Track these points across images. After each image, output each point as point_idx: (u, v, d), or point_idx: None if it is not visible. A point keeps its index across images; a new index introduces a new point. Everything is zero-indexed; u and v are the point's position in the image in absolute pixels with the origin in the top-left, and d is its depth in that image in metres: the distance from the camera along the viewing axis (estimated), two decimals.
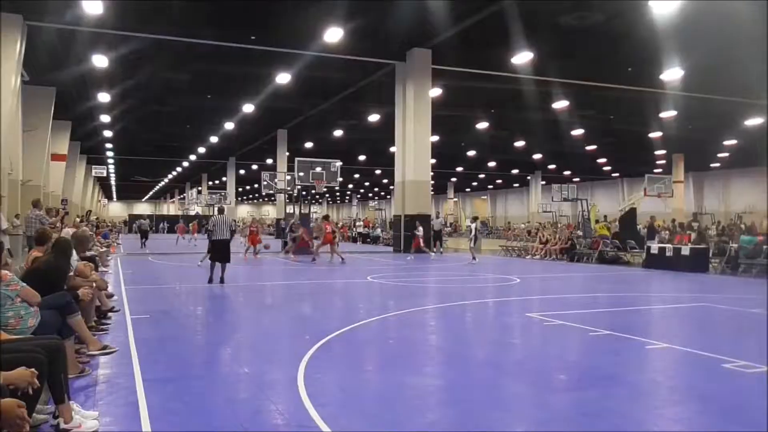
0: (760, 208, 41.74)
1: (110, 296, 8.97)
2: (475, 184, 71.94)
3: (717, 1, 16.10)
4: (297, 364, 5.77)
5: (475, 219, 24.02)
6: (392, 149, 26.31)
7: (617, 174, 58.41)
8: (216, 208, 15.03)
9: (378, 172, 57.06)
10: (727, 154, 43.15)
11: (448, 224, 52.86)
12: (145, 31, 19.38)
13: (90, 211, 41.17)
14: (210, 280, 12.64)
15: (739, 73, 22.36)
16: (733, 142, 37.17)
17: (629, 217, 25.77)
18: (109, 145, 45.08)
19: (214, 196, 50.41)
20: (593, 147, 41.11)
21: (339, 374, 5.70)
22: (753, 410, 4.74)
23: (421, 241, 23.67)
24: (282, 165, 38.95)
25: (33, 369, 2.96)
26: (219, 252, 12.77)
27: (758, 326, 8.25)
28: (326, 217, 22.65)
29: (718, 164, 49.00)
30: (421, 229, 23.53)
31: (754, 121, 30.21)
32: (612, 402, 4.89)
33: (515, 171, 56.91)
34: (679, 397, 5.21)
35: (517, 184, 69.07)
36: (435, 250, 24.54)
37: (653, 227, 23.58)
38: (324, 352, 6.47)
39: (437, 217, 28.37)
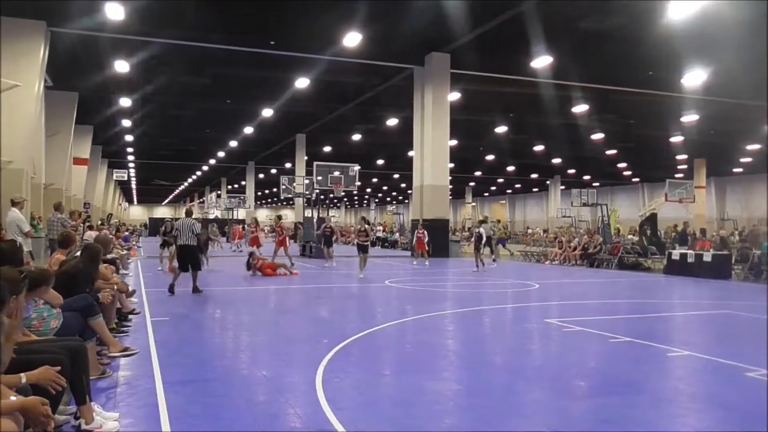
0: None
1: (132, 294, 9.05)
2: (493, 188, 71.62)
3: (738, 1, 15.91)
4: (315, 367, 5.79)
5: (482, 222, 22.26)
6: (410, 153, 26.30)
7: (638, 179, 57.84)
8: (184, 210, 14.32)
9: (396, 176, 57.03)
10: (750, 159, 42.53)
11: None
12: (165, 36, 19.60)
13: (111, 214, 41.68)
14: (171, 289, 11.38)
15: (762, 76, 22.07)
16: (757, 146, 36.62)
17: (650, 222, 25.50)
18: (129, 149, 45.59)
19: (233, 199, 50.72)
20: (613, 151, 40.76)
21: (357, 378, 5.69)
22: None
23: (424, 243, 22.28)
24: (300, 169, 39.08)
25: (42, 398, 2.95)
26: (183, 259, 11.64)
27: None
28: (278, 218, 21.98)
29: (740, 169, 48.32)
30: (424, 231, 22.40)
31: None
32: (632, 409, 4.83)
33: (534, 175, 56.59)
34: (701, 405, 5.14)
35: (536, 189, 68.67)
36: (481, 262, 19.56)
37: (686, 233, 23.24)
38: (342, 355, 6.47)
39: (486, 222, 25.11)
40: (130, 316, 8.36)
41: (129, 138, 39.19)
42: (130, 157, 50.49)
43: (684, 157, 42.20)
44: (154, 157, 48.74)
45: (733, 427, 4.53)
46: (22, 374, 3.07)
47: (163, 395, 4.86)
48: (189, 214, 12.81)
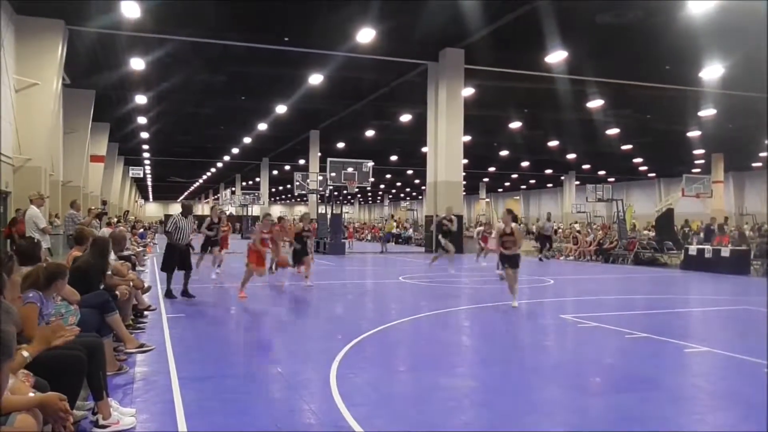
0: None
1: (147, 290, 9.11)
2: (507, 184, 71.29)
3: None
4: (330, 363, 5.79)
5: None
6: (424, 149, 26.24)
7: (654, 174, 57.31)
8: (181, 205, 11.80)
9: (410, 172, 56.95)
10: None
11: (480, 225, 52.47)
12: (181, 34, 19.70)
13: (127, 211, 42.03)
14: (169, 294, 10.26)
15: None
16: None
17: (666, 217, 25.26)
18: (145, 147, 45.93)
19: (247, 196, 50.94)
20: (629, 147, 40.39)
21: (372, 374, 5.69)
22: None
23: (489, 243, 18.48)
24: (314, 165, 39.15)
25: (60, 394, 2.86)
26: (177, 260, 10.40)
27: None
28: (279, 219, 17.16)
29: (759, 164, 47.69)
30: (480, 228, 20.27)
31: None
32: (650, 406, 4.79)
33: (549, 171, 56.23)
34: (721, 402, 5.08)
35: (550, 185, 68.25)
36: (542, 254, 23.35)
37: (711, 227, 22.94)
38: (357, 352, 6.47)
39: (548, 221, 26.20)
40: (146, 313, 8.42)
41: (145, 135, 39.48)
42: (146, 155, 50.87)
43: (701, 151, 41.74)
44: (169, 154, 49.05)
45: (753, 424, 4.47)
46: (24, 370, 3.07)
47: (179, 391, 4.89)
48: (188, 212, 10.71)
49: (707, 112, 28.61)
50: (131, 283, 7.42)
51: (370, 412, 4.51)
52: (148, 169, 60.76)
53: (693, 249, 19.35)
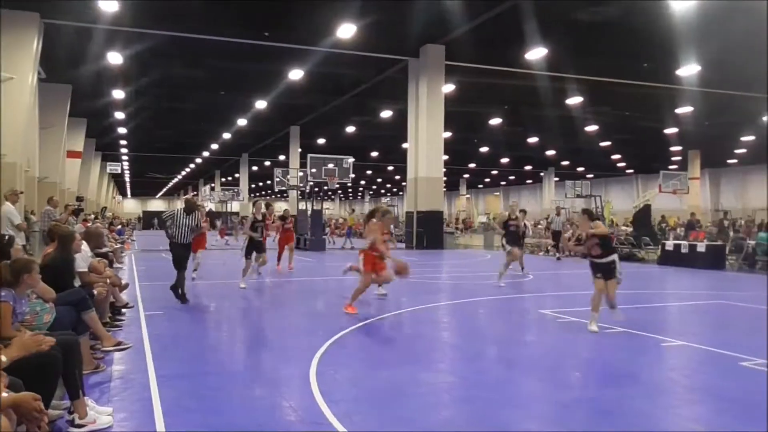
0: None
1: (125, 288, 9.01)
2: (487, 180, 71.64)
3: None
4: (310, 360, 5.78)
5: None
6: (405, 146, 26.25)
7: (632, 170, 57.94)
8: (183, 200, 10.95)
9: (390, 168, 56.96)
10: (744, 151, 42.64)
11: (461, 221, 52.68)
12: (159, 28, 19.46)
13: (105, 207, 41.54)
14: (181, 298, 9.72)
15: (756, 68, 22.09)
16: (751, 138, 36.71)
17: (644, 213, 25.56)
18: (123, 142, 45.39)
19: (227, 192, 50.60)
20: (608, 143, 40.80)
21: (352, 371, 5.69)
22: None
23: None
24: (294, 161, 39.01)
25: (34, 394, 2.80)
26: (181, 258, 9.77)
27: None
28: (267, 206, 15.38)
29: (735, 161, 48.45)
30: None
31: None
32: (627, 400, 4.84)
33: (528, 167, 56.60)
34: (697, 395, 5.16)
35: (530, 181, 68.70)
36: (558, 253, 21.49)
37: (692, 223, 23.36)
38: (337, 348, 6.47)
39: (558, 215, 24.20)
40: (123, 310, 8.33)
41: (123, 131, 39.01)
42: (124, 150, 50.26)
43: (678, 148, 42.26)
44: (148, 149, 48.53)
45: (728, 416, 4.54)
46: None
47: (156, 389, 4.84)
48: (191, 209, 9.83)
49: (684, 110, 28.96)
50: (108, 281, 7.35)
51: (349, 408, 4.50)
52: (126, 165, 60.06)
53: (670, 244, 19.60)
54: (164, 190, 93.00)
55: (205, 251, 14.92)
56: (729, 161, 48.94)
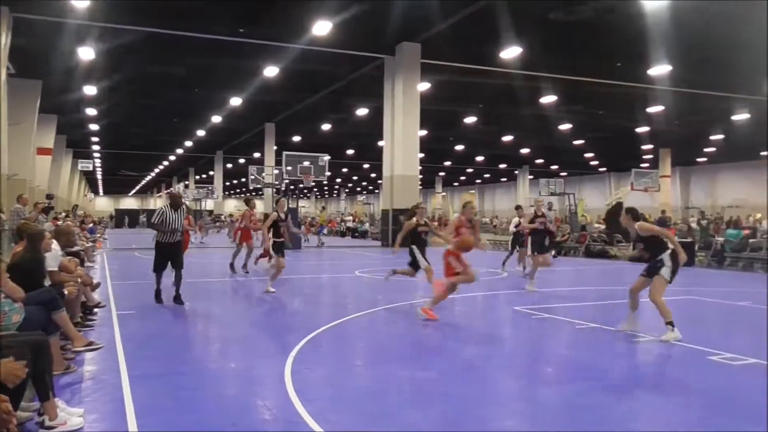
0: (749, 202, 42.20)
1: (97, 287, 8.89)
2: (463, 178, 72.00)
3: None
4: (285, 359, 5.75)
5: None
6: (381, 143, 26.25)
7: (605, 168, 58.65)
8: (168, 195, 10.52)
9: (366, 166, 56.93)
10: (713, 149, 43.44)
11: (436, 218, 52.84)
12: (132, 23, 19.16)
13: (76, 205, 40.88)
14: (157, 296, 9.30)
15: (725, 68, 22.53)
16: (720, 137, 37.42)
17: (616, 211, 25.89)
18: (95, 139, 44.66)
19: (201, 190, 50.16)
20: (581, 141, 41.23)
21: (327, 369, 5.68)
22: (739, 402, 4.78)
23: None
24: (270, 159, 38.78)
25: (2, 395, 2.79)
26: (166, 258, 9.20)
27: (743, 319, 8.32)
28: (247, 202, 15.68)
29: (705, 159, 49.34)
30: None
31: (740, 116, 30.43)
32: (599, 395, 4.92)
33: (503, 165, 56.99)
34: (666, 389, 5.25)
35: (504, 179, 69.19)
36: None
37: (664, 220, 23.77)
38: (312, 347, 6.45)
39: (549, 210, 20.95)
40: (95, 310, 8.22)
41: (95, 127, 38.36)
42: (96, 147, 49.47)
43: (650, 147, 42.89)
44: (120, 146, 47.85)
45: (697, 409, 4.63)
46: None
47: (129, 389, 4.79)
48: (176, 205, 9.23)
49: (655, 109, 29.38)
50: (79, 280, 7.24)
51: (324, 406, 4.50)
52: (98, 162, 59.11)
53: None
54: (137, 187, 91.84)
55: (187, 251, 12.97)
56: (698, 159, 49.82)
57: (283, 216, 10.95)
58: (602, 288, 12.83)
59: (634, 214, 7.50)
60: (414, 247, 10.11)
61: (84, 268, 9.36)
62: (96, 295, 8.72)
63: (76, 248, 10.83)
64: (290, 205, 26.32)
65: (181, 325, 8.14)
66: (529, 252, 11.94)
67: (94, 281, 8.93)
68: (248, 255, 14.44)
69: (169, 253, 9.14)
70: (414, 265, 10.15)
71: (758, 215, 30.90)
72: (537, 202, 12.87)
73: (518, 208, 16.00)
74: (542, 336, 7.46)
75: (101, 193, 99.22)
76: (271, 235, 10.82)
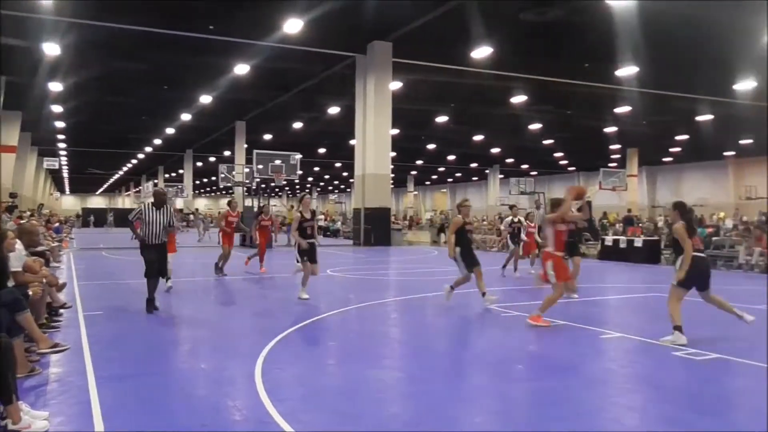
0: (713, 201, 43.18)
1: (62, 287, 8.71)
2: (435, 177, 72.27)
3: (670, 1, 16.48)
4: (255, 359, 5.72)
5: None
6: (352, 142, 26.23)
7: (574, 168, 59.40)
8: (152, 192, 9.50)
9: (338, 165, 56.84)
10: (679, 149, 44.30)
11: (408, 217, 53.00)
12: (99, 19, 18.82)
13: (42, 204, 40.02)
14: (151, 304, 8.56)
15: (689, 70, 23.02)
16: (685, 137, 38.17)
17: (584, 209, 26.25)
18: (61, 137, 43.78)
19: (171, 188, 49.49)
20: (550, 141, 41.71)
21: (298, 369, 5.66)
22: (703, 396, 4.90)
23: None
24: (240, 157, 38.47)
25: None
26: (153, 262, 8.46)
27: (705, 315, 8.52)
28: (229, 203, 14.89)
29: (670, 158, 50.30)
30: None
31: (704, 117, 31.08)
32: (568, 391, 4.98)
33: (474, 164, 57.38)
34: (633, 385, 5.35)
35: (476, 178, 69.65)
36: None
37: (631, 218, 24.21)
38: (283, 346, 6.42)
39: (537, 208, 20.35)
40: (61, 311, 8.06)
41: (61, 125, 37.66)
42: (62, 145, 48.52)
43: (618, 146, 43.60)
44: (87, 144, 47.02)
45: (663, 404, 4.72)
46: None
47: (96, 392, 4.71)
48: (160, 203, 8.61)
49: (623, 109, 29.85)
50: (44, 280, 7.09)
51: (296, 406, 4.48)
52: (64, 160, 58.01)
53: (609, 240, 20.22)
54: (105, 186, 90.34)
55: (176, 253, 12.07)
56: (664, 159, 50.76)
57: (308, 215, 9.87)
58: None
59: (683, 210, 6.93)
60: (458, 249, 9.30)
61: (49, 269, 9.18)
62: (62, 296, 8.55)
63: (40, 248, 10.62)
64: (261, 204, 26.16)
65: (150, 326, 8.03)
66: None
67: (60, 281, 8.75)
68: (223, 257, 13.57)
69: (153, 257, 8.42)
70: (469, 267, 9.30)
71: (721, 214, 31.69)
72: (567, 199, 11.52)
73: (512, 207, 15.63)
74: (513, 333, 7.53)
75: (68, 192, 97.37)
76: (297, 236, 9.65)
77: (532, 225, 14.97)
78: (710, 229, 18.84)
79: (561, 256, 7.82)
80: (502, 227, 16.26)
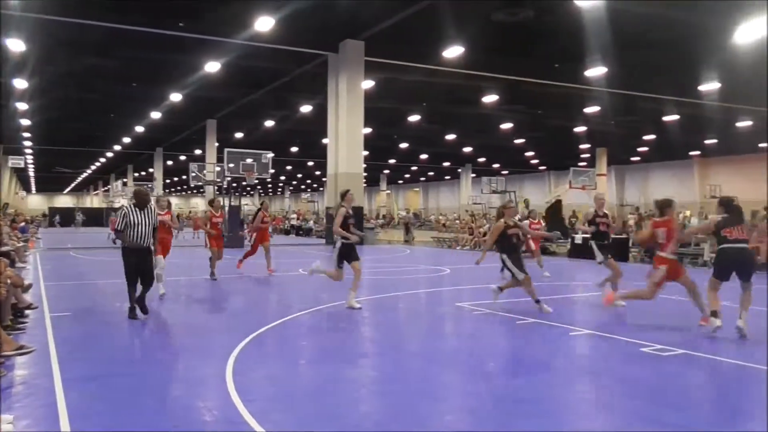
0: (679, 200, 43.98)
1: (28, 288, 8.55)
2: (407, 176, 72.44)
3: (638, 1, 16.76)
4: (226, 359, 5.68)
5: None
6: (325, 141, 26.15)
7: (544, 167, 60.04)
8: (133, 192, 9.20)
9: (311, 164, 56.63)
10: (646, 149, 45.07)
11: (381, 216, 53.10)
12: (66, 15, 18.46)
13: (7, 204, 39.19)
14: (132, 312, 7.96)
15: (656, 71, 23.44)
16: (652, 137, 38.84)
17: (555, 208, 26.61)
18: (27, 135, 42.88)
19: (141, 188, 48.84)
20: (522, 140, 42.09)
21: (270, 368, 5.64)
22: (670, 390, 5.00)
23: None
24: (211, 156, 38.12)
25: None
26: (137, 268, 7.88)
27: (672, 311, 8.70)
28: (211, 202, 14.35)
29: (638, 158, 51.15)
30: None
31: (670, 117, 31.65)
32: (539, 388, 5.05)
33: (447, 163, 57.66)
34: (603, 380, 5.44)
35: (448, 177, 69.97)
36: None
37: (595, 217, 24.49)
38: (255, 346, 6.39)
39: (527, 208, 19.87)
40: (27, 312, 7.90)
41: (26, 122, 36.86)
42: (28, 143, 47.52)
43: (587, 146, 44.18)
44: (54, 142, 46.11)
45: (631, 398, 4.81)
46: None
47: (62, 393, 4.63)
48: (143, 203, 8.05)
49: (592, 109, 30.25)
50: (9, 281, 6.96)
51: (267, 406, 4.47)
52: (30, 159, 56.79)
53: (579, 238, 20.44)
54: (72, 185, 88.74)
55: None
56: (633, 159, 51.61)
57: (351, 211, 9.15)
58: (540, 284, 13.11)
59: (727, 206, 7.20)
60: (504, 256, 8.95)
61: (14, 269, 8.99)
62: (28, 297, 8.39)
63: (5, 248, 10.39)
64: (232, 203, 25.98)
65: (119, 327, 7.91)
66: (599, 259, 10.04)
67: (26, 282, 8.59)
68: (213, 260, 12.79)
69: (137, 262, 7.82)
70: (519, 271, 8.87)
71: (687, 212, 32.29)
72: (598, 199, 10.62)
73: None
74: (484, 331, 7.60)
75: (34, 191, 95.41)
76: (343, 232, 8.86)
77: (536, 222, 14.87)
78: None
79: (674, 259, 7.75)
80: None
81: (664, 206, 7.85)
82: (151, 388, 4.92)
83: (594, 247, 10.05)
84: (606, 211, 10.56)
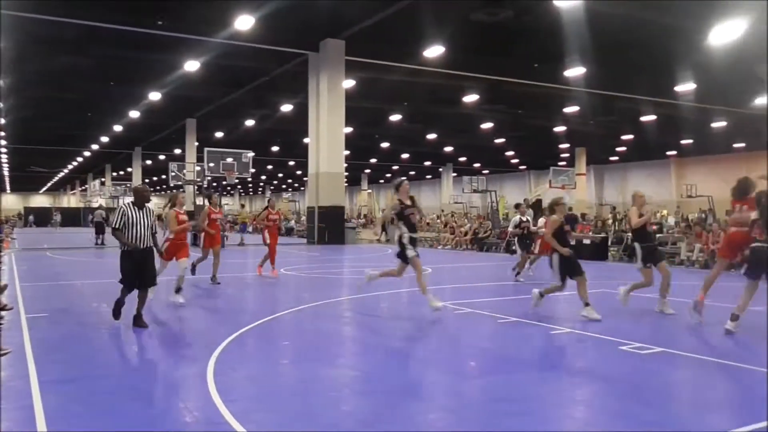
0: (656, 199, 44.55)
1: (3, 289, 8.39)
2: (389, 175, 72.41)
3: (617, 1, 16.93)
4: (207, 359, 5.63)
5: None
6: (306, 140, 26.07)
7: (524, 166, 60.43)
8: (133, 191, 8.43)
9: (292, 163, 56.44)
10: (624, 149, 45.56)
11: (362, 216, 53.07)
12: (41, 12, 18.19)
13: None
14: (116, 312, 7.58)
15: (634, 71, 23.69)
16: (630, 137, 39.27)
17: (535, 208, 26.77)
18: (1, 134, 42.19)
19: (119, 187, 48.33)
20: (502, 140, 42.32)
21: (251, 368, 5.61)
22: (648, 387, 5.06)
23: None
24: (191, 155, 37.83)
25: None
26: (136, 271, 7.36)
27: (650, 310, 8.81)
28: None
29: (617, 158, 51.69)
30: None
31: (648, 118, 32.03)
32: (520, 386, 5.08)
33: (428, 163, 57.81)
34: (582, 378, 5.48)
35: (429, 176, 70.15)
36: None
37: (574, 216, 24.80)
38: (236, 346, 6.35)
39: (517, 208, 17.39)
40: (2, 313, 7.76)
41: (0, 121, 36.26)
42: (2, 142, 46.77)
43: (567, 146, 44.55)
44: (29, 141, 45.38)
45: (610, 396, 4.86)
46: None
47: (39, 395, 4.56)
48: (141, 202, 7.52)
49: (571, 109, 30.50)
50: None
51: (248, 406, 4.44)
52: (4, 158, 55.90)
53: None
54: (49, 185, 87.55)
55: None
56: (611, 158, 52.15)
57: (408, 202, 8.58)
58: (521, 283, 13.19)
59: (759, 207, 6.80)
60: (554, 257, 8.53)
61: None
62: (3, 298, 8.23)
63: None
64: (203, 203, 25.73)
65: (97, 328, 7.81)
66: (640, 264, 8.88)
67: (2, 283, 8.44)
68: (214, 263, 12.04)
69: (137, 264, 7.31)
70: (572, 274, 8.53)
71: (664, 211, 32.75)
72: (638, 197, 9.04)
73: (518, 206, 14.28)
74: (466, 330, 7.63)
75: (8, 191, 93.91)
76: (402, 225, 8.44)
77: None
78: (654, 227, 19.44)
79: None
80: (510, 228, 14.85)
81: (748, 186, 7.42)
82: (130, 390, 4.86)
83: (638, 250, 8.88)
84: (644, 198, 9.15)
